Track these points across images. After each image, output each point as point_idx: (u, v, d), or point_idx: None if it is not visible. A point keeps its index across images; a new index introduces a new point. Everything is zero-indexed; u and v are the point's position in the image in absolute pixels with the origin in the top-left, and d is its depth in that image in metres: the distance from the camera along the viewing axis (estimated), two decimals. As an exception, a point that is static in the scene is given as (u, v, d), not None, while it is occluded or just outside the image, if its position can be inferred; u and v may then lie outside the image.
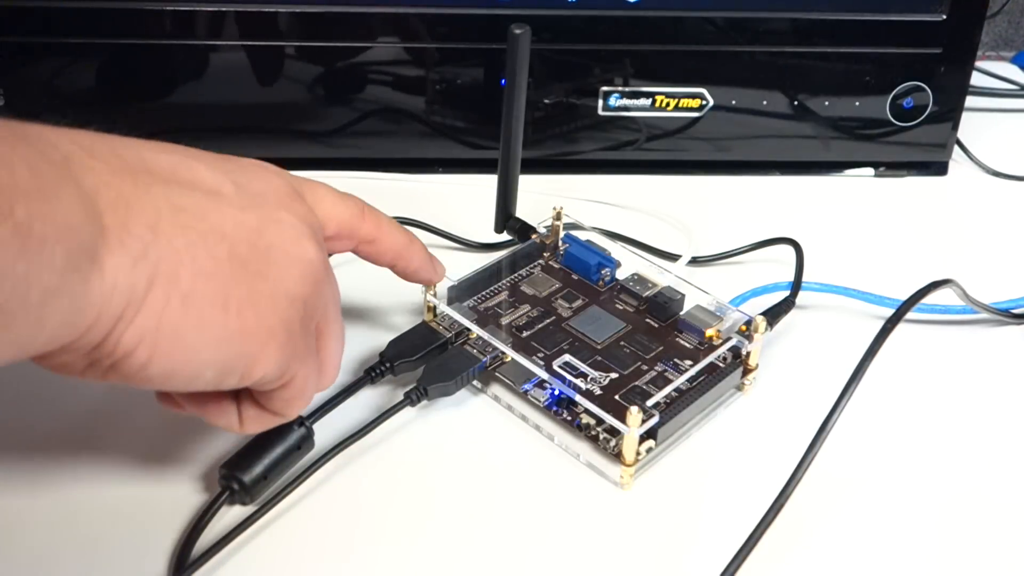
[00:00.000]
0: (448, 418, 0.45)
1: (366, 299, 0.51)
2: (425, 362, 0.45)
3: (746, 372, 0.47)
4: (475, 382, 0.46)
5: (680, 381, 0.44)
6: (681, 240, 0.58)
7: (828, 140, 0.65)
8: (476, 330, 0.46)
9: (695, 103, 0.63)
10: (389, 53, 0.61)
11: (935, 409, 0.48)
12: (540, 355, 0.46)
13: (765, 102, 0.63)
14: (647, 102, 0.62)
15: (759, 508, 0.38)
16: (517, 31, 0.46)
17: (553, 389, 0.44)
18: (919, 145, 0.65)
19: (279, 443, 0.40)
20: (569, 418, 0.44)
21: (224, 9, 0.58)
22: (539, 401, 0.45)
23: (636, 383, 0.45)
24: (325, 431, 0.42)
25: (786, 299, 0.50)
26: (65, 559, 0.38)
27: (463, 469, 0.43)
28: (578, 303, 0.49)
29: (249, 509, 0.40)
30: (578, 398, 0.43)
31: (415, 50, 0.61)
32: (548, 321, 0.48)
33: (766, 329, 0.46)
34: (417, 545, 0.40)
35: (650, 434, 0.42)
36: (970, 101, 0.65)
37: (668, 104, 0.63)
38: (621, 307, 0.49)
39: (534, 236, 0.52)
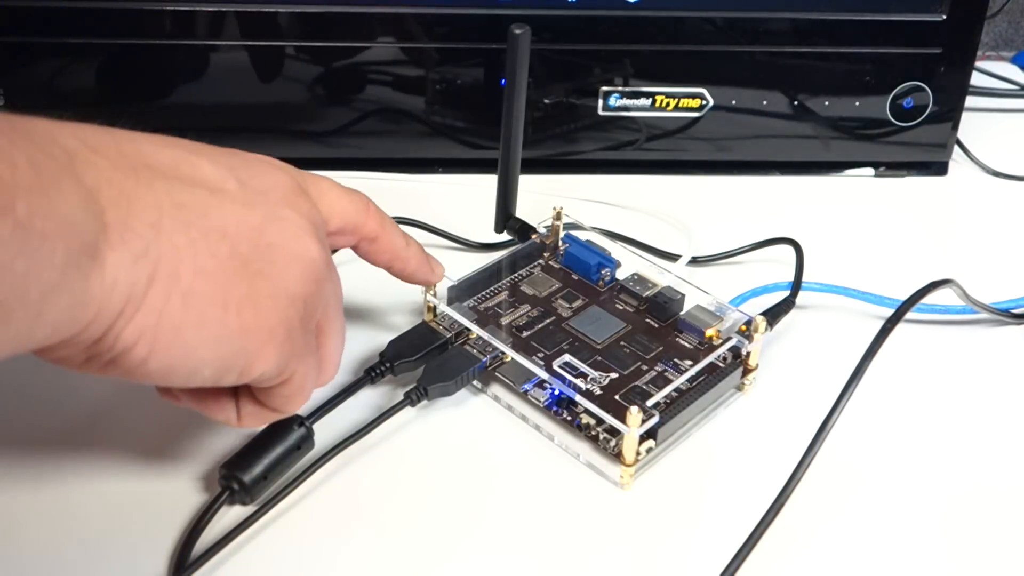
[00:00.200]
0: (448, 418, 0.45)
1: (366, 299, 0.51)
2: (425, 362, 0.45)
3: (746, 372, 0.47)
4: (475, 382, 0.46)
5: (680, 381, 0.44)
6: (681, 240, 0.58)
7: (828, 140, 0.65)
8: (476, 330, 0.46)
9: (695, 103, 0.63)
10: (389, 53, 0.61)
11: (935, 409, 0.48)
12: (540, 355, 0.46)
13: (765, 102, 0.63)
14: (647, 102, 0.62)
15: (759, 508, 0.38)
16: (517, 31, 0.46)
17: (553, 389, 0.44)
18: (919, 145, 0.65)
19: (279, 443, 0.40)
20: (569, 418, 0.44)
21: (224, 9, 0.58)
22: (539, 401, 0.45)
23: (636, 383, 0.45)
24: (325, 431, 0.42)
25: (786, 299, 0.50)
26: (65, 559, 0.38)
27: (463, 469, 0.43)
28: (578, 303, 0.49)
29: (249, 509, 0.40)
30: (578, 398, 0.43)
31: (415, 50, 0.61)
32: (548, 321, 0.48)
33: (766, 329, 0.46)
34: (417, 545, 0.40)
35: (650, 434, 0.42)
36: (970, 101, 0.65)
37: (668, 104, 0.63)
38: (621, 307, 0.49)
39: (534, 236, 0.52)
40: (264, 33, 0.59)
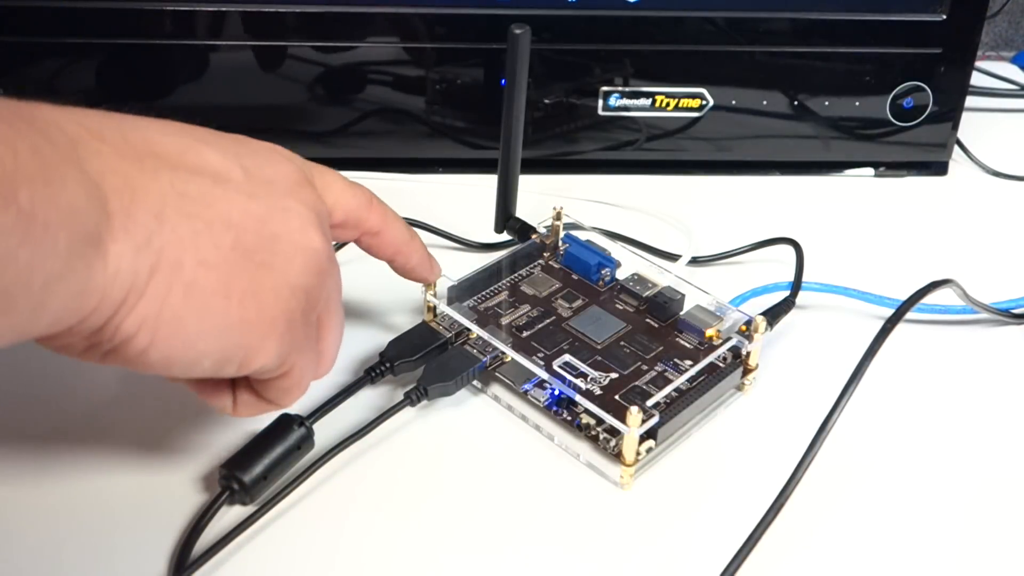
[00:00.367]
0: (448, 418, 0.45)
1: (366, 299, 0.51)
2: (425, 362, 0.45)
3: (746, 372, 0.47)
4: (475, 382, 0.46)
5: (680, 381, 0.44)
6: (681, 240, 0.58)
7: (828, 140, 0.65)
8: (476, 330, 0.46)
9: (695, 103, 0.63)
10: (389, 53, 0.61)
11: (935, 409, 0.48)
12: (540, 355, 0.46)
13: (765, 102, 0.63)
14: (647, 102, 0.62)
15: (759, 508, 0.38)
16: (517, 31, 0.46)
17: (553, 389, 0.44)
18: (919, 145, 0.65)
19: (279, 443, 0.40)
20: (569, 418, 0.44)
21: (224, 9, 0.58)
22: (539, 401, 0.44)
23: (636, 383, 0.45)
24: (325, 431, 0.42)
25: (786, 299, 0.50)
26: (65, 559, 0.38)
27: (463, 469, 0.43)
28: (578, 303, 0.49)
29: (249, 509, 0.40)
30: (578, 398, 0.43)
31: (415, 50, 0.61)
32: (548, 321, 0.48)
33: (766, 329, 0.46)
34: (417, 544, 0.40)
35: (650, 434, 0.42)
36: (970, 101, 0.65)
37: (668, 104, 0.63)
38: (621, 307, 0.49)
39: (534, 236, 0.52)
40: (264, 33, 0.59)
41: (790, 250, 0.53)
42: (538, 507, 0.41)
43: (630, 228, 0.58)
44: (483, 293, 0.49)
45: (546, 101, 0.62)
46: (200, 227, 0.32)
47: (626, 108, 0.62)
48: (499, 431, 0.45)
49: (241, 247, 0.33)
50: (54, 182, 0.27)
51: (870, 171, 0.67)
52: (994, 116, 0.74)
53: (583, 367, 0.45)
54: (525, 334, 0.47)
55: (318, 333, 0.38)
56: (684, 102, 0.63)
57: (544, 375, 0.44)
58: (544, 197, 0.57)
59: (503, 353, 0.45)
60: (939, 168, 0.67)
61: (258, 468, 0.39)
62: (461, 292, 0.48)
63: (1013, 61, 0.81)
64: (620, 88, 0.62)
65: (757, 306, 0.50)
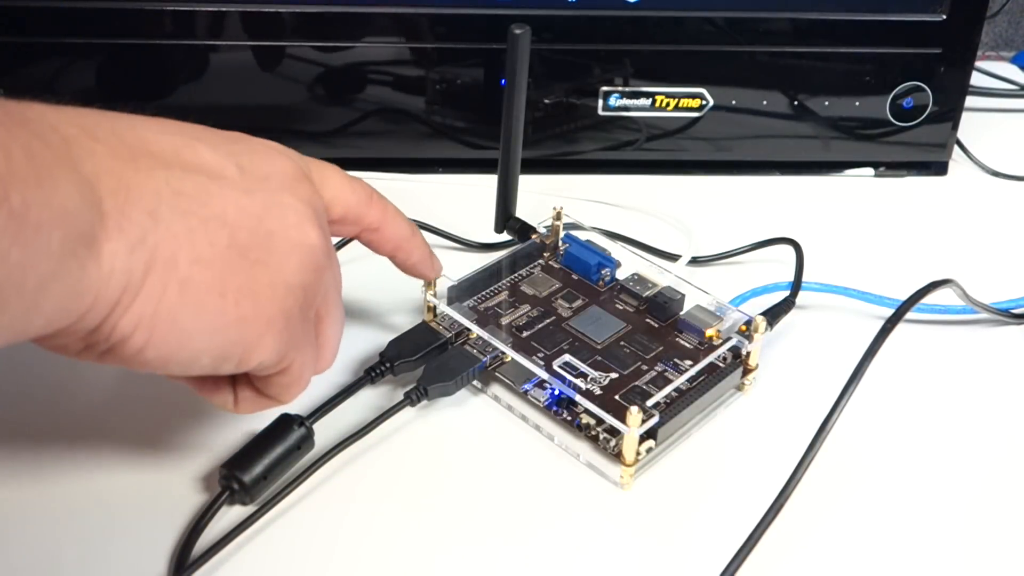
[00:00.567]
0: (448, 418, 0.45)
1: (366, 299, 0.51)
2: (425, 362, 0.45)
3: (746, 372, 0.47)
4: (475, 382, 0.46)
5: (680, 381, 0.44)
6: (681, 240, 0.58)
7: (828, 140, 0.65)
8: (476, 330, 0.46)
9: (695, 103, 0.63)
10: (389, 53, 0.61)
11: (935, 409, 0.48)
12: (540, 355, 0.46)
13: (765, 102, 0.63)
14: (647, 102, 0.62)
15: (759, 508, 0.38)
16: (517, 31, 0.46)
17: (553, 389, 0.44)
18: (919, 145, 0.65)
19: (279, 443, 0.40)
20: (569, 418, 0.44)
21: (224, 9, 0.58)
22: (539, 401, 0.44)
23: (636, 383, 0.45)
24: (325, 431, 0.42)
25: (786, 299, 0.50)
26: (65, 559, 0.38)
27: (463, 469, 0.43)
28: (578, 303, 0.49)
29: (249, 509, 0.40)
30: (578, 398, 0.43)
31: (415, 50, 0.61)
32: (548, 321, 0.48)
33: (766, 329, 0.46)
34: (417, 544, 0.40)
35: (650, 434, 0.42)
36: (970, 101, 0.65)
37: (668, 104, 0.63)
38: (621, 307, 0.49)
39: (534, 236, 0.52)
40: (264, 33, 0.59)
41: (790, 250, 0.53)
42: (538, 507, 0.41)
43: (630, 228, 0.58)
44: (483, 293, 0.49)
45: (546, 101, 0.62)
46: (195, 225, 0.31)
47: (626, 108, 0.62)
48: (499, 431, 0.45)
49: (237, 244, 0.33)
50: (47, 183, 0.27)
51: (870, 171, 0.67)
52: (994, 116, 0.74)
53: (583, 367, 0.45)
54: (525, 334, 0.47)
55: (317, 328, 0.38)
56: (684, 102, 0.63)
57: (544, 375, 0.44)
58: (544, 197, 0.57)
59: (503, 353, 0.45)
60: (939, 168, 0.67)
61: (258, 468, 0.39)
62: (461, 292, 0.48)
63: (1013, 61, 0.81)
64: (620, 88, 0.62)
65: (757, 306, 0.50)
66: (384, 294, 0.51)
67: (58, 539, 0.39)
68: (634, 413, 0.40)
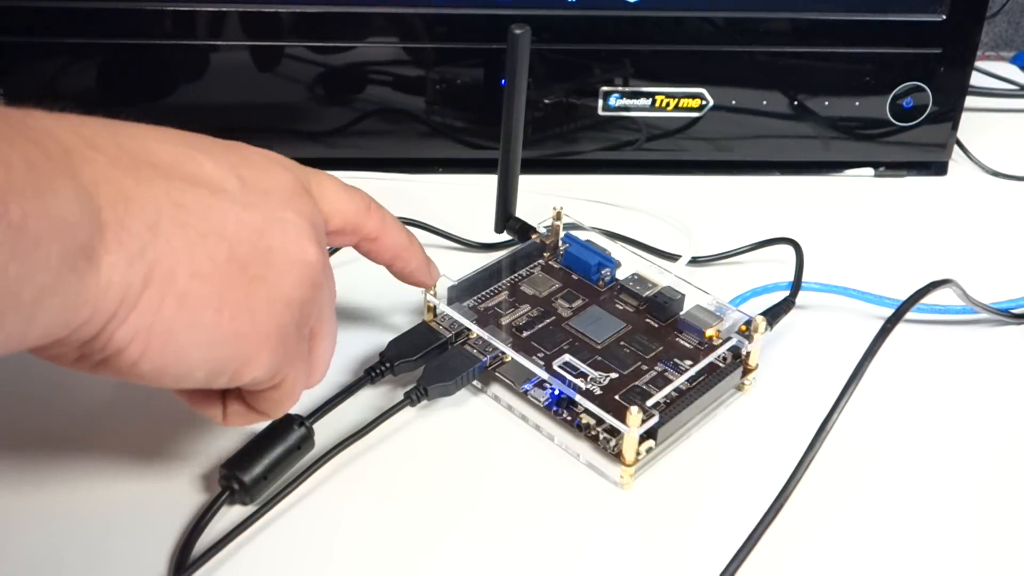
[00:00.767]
0: (448, 418, 0.45)
1: (366, 299, 0.51)
2: (425, 362, 0.45)
3: (746, 372, 0.47)
4: (475, 382, 0.46)
5: (680, 381, 0.44)
6: (681, 240, 0.58)
7: (828, 140, 0.65)
8: (476, 330, 0.46)
9: (695, 103, 0.63)
10: (389, 53, 0.61)
11: (935, 409, 0.48)
12: (540, 355, 0.46)
13: (765, 102, 0.63)
14: (647, 102, 0.62)
15: (759, 508, 0.38)
16: (517, 31, 0.46)
17: (553, 389, 0.44)
18: (919, 145, 0.65)
19: (279, 443, 0.40)
20: (569, 418, 0.44)
21: (224, 9, 0.58)
22: (539, 401, 0.45)
23: (636, 383, 0.45)
24: (325, 431, 0.42)
25: (786, 299, 0.50)
26: (65, 559, 0.38)
27: (463, 469, 0.43)
28: (578, 303, 0.49)
29: (249, 509, 0.40)
30: (578, 398, 0.43)
31: (415, 50, 0.61)
32: (548, 321, 0.48)
33: (766, 329, 0.46)
34: (417, 545, 0.40)
35: (650, 434, 0.42)
36: (970, 101, 0.65)
37: (668, 104, 0.63)
38: (621, 307, 0.49)
39: (534, 236, 0.52)
40: (264, 33, 0.59)
41: (790, 250, 0.53)
42: (538, 507, 0.41)
43: (630, 228, 0.58)
44: (483, 293, 0.49)
45: (546, 101, 0.62)
46: (194, 238, 0.31)
47: (626, 108, 0.62)
48: (499, 431, 0.45)
49: (235, 259, 0.33)
50: (46, 195, 0.27)
51: (870, 171, 0.67)
52: (994, 116, 0.74)
53: (583, 367, 0.45)
54: (525, 334, 0.47)
55: (310, 343, 0.38)
56: (684, 102, 0.63)
57: (544, 375, 0.44)
58: (544, 197, 0.57)
59: (503, 353, 0.45)
60: (939, 168, 0.67)
61: (258, 468, 0.39)
62: (461, 292, 0.48)
63: (1013, 61, 0.81)
64: (620, 88, 0.62)
65: (757, 306, 0.50)
66: (384, 294, 0.51)
67: (59, 539, 0.39)
68: (634, 413, 0.40)
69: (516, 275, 0.51)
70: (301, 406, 0.41)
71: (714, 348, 0.46)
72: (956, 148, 0.67)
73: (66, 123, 0.30)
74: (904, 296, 0.43)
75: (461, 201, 0.60)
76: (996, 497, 0.43)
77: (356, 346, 0.48)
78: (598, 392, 0.44)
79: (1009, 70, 0.79)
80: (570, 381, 0.44)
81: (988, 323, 0.53)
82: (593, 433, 0.43)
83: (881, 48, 0.62)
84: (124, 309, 0.30)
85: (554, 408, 0.44)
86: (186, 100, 0.60)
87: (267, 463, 0.40)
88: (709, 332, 0.47)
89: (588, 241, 0.52)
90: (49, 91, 0.59)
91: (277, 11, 0.58)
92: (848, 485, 0.43)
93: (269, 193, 0.35)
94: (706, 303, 0.48)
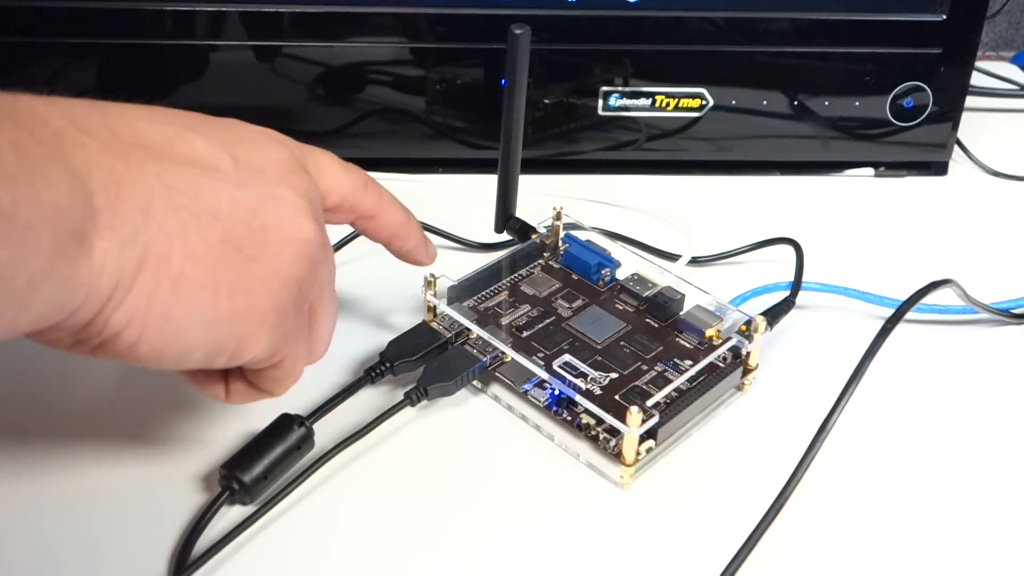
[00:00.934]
0: (448, 418, 0.45)
1: (366, 299, 0.51)
2: (425, 362, 0.45)
3: (746, 372, 0.47)
4: (475, 382, 0.46)
5: (680, 381, 0.44)
6: (681, 240, 0.58)
7: (828, 140, 0.65)
8: (476, 330, 0.46)
9: (695, 103, 0.63)
10: (389, 53, 0.61)
11: (935, 409, 0.48)
12: (540, 355, 0.46)
13: (765, 102, 0.63)
14: (647, 102, 0.62)
15: (759, 508, 0.38)
16: (517, 31, 0.46)
17: (553, 389, 0.44)
18: (919, 145, 0.65)
19: (279, 443, 0.40)
20: (569, 418, 0.44)
21: (224, 9, 0.58)
22: (539, 401, 0.44)
23: (636, 383, 0.45)
24: (325, 431, 0.42)
25: (786, 299, 0.50)
26: (65, 559, 0.38)
27: (463, 469, 0.43)
28: (578, 303, 0.49)
29: (249, 509, 0.40)
30: (578, 398, 0.43)
31: (415, 50, 0.61)
32: (548, 321, 0.48)
33: (766, 329, 0.46)
34: (417, 545, 0.40)
35: (650, 434, 0.42)
36: (970, 101, 0.65)
37: (668, 104, 0.63)
38: (621, 307, 0.49)
39: (534, 236, 0.52)
40: (264, 33, 0.59)
41: (790, 250, 0.53)
42: (538, 507, 0.41)
43: (630, 228, 0.58)
44: (483, 293, 0.49)
45: (546, 101, 0.62)
46: (188, 220, 0.31)
47: (626, 108, 0.62)
48: (499, 431, 0.45)
49: (230, 239, 0.32)
50: (37, 181, 0.27)
51: (870, 171, 0.67)
52: (994, 116, 0.74)
53: (583, 367, 0.45)
54: (525, 334, 0.47)
55: (311, 321, 0.38)
56: (684, 102, 0.63)
57: (544, 375, 0.44)
58: (544, 197, 0.57)
59: (503, 353, 0.45)
60: (939, 168, 0.67)
61: (258, 468, 0.39)
62: (461, 292, 0.48)
63: (1013, 61, 0.81)
64: (620, 88, 0.62)
65: (757, 306, 0.50)
66: (384, 294, 0.51)
67: (58, 539, 0.39)
68: (634, 413, 0.40)
69: (516, 275, 0.51)
70: (301, 406, 0.41)
71: (714, 348, 0.46)
72: (956, 148, 0.67)
73: (56, 107, 0.30)
74: (904, 296, 0.43)
75: (461, 201, 0.60)
76: (996, 497, 0.43)
77: (356, 346, 0.48)
78: (598, 392, 0.44)
79: (1009, 70, 0.79)
80: (570, 381, 0.44)
81: (988, 323, 0.53)
82: (593, 433, 0.43)
83: (881, 48, 0.62)
84: (119, 293, 0.30)
85: (554, 408, 0.44)
86: (186, 100, 0.60)
87: (267, 463, 0.40)
88: (709, 332, 0.47)
89: (588, 241, 0.52)
90: (49, 91, 0.59)
91: (277, 11, 0.58)
92: (848, 485, 0.43)
93: (263, 170, 0.35)
94: (706, 303, 0.48)
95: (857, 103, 0.64)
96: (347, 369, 0.47)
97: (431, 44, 0.60)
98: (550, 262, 0.52)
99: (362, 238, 0.44)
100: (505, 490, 0.42)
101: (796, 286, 0.51)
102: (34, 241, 0.26)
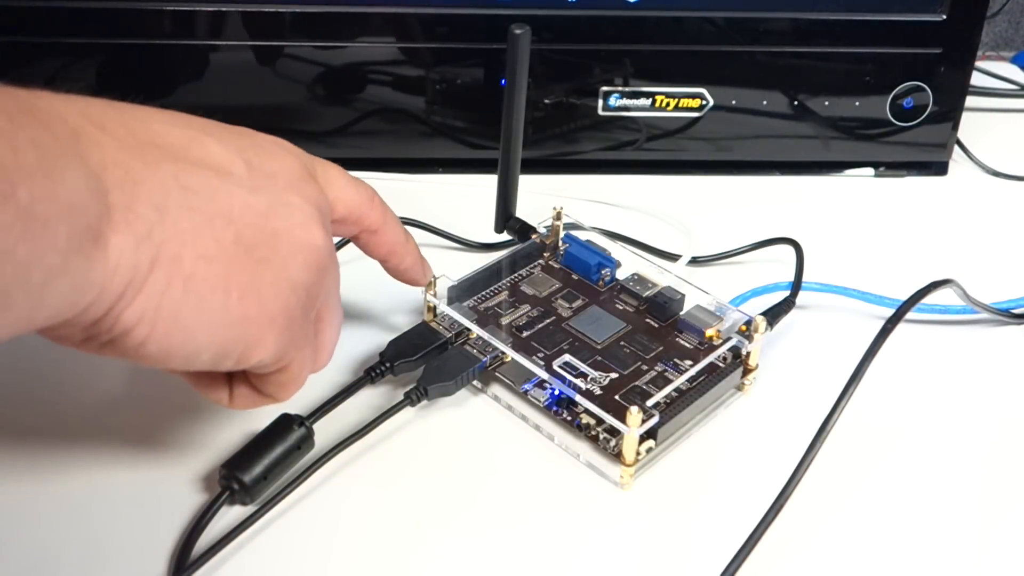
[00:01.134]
0: (448, 418, 0.45)
1: (366, 299, 0.51)
2: (425, 362, 0.45)
3: (746, 372, 0.47)
4: (475, 382, 0.46)
5: (680, 381, 0.44)
6: (681, 240, 0.58)
7: (828, 140, 0.65)
8: (476, 330, 0.46)
9: (695, 103, 0.63)
10: (389, 53, 0.61)
11: (935, 409, 0.48)
12: (540, 355, 0.46)
13: (765, 102, 0.63)
14: (647, 102, 0.62)
15: (759, 508, 0.38)
16: (517, 31, 0.46)
17: (553, 389, 0.44)
18: (919, 145, 0.65)
19: (279, 443, 0.40)
20: (569, 418, 0.44)
21: (224, 9, 0.58)
22: (539, 401, 0.44)
23: (636, 383, 0.45)
24: (325, 431, 0.42)
25: (786, 299, 0.50)
26: (65, 559, 0.38)
27: (463, 469, 0.43)
28: (578, 303, 0.49)
29: (249, 509, 0.40)
30: (578, 398, 0.43)
31: (415, 50, 0.61)
32: (548, 321, 0.48)
33: (766, 329, 0.46)
34: (417, 545, 0.40)
35: (650, 434, 0.42)
36: (970, 101, 0.65)
37: (668, 104, 0.63)
38: (621, 307, 0.49)
39: (534, 236, 0.52)
40: (264, 33, 0.59)
41: (790, 250, 0.53)
42: (538, 507, 0.41)
43: (630, 228, 0.58)
44: (483, 293, 0.49)
45: (546, 101, 0.62)
46: (201, 221, 0.31)
47: (626, 108, 0.62)
48: (499, 431, 0.45)
49: (242, 242, 0.33)
50: (54, 177, 0.27)
51: (870, 171, 0.67)
52: (994, 116, 0.74)
53: (583, 367, 0.45)
54: (525, 334, 0.47)
55: (316, 327, 0.38)
56: (684, 102, 0.63)
57: (544, 375, 0.44)
58: (544, 197, 0.57)
59: (503, 353, 0.45)
60: (939, 168, 0.67)
61: (258, 468, 0.39)
62: (461, 292, 0.48)
63: (1013, 61, 0.81)
64: (620, 88, 0.62)
65: (757, 306, 0.50)
66: (384, 294, 0.51)
67: (58, 539, 0.39)
68: (634, 413, 0.40)
69: (516, 275, 0.51)
70: (301, 406, 0.41)
71: (714, 348, 0.46)
72: (956, 148, 0.67)
73: (74, 105, 0.30)
74: (904, 296, 0.43)
75: (461, 201, 0.60)
76: (996, 497, 0.43)
77: (356, 346, 0.48)
78: (598, 392, 0.44)
79: (1009, 70, 0.79)
80: (570, 381, 0.44)
81: (988, 323, 0.53)
82: (593, 433, 0.43)
83: (881, 48, 0.62)
84: (131, 291, 0.30)
85: (554, 408, 0.44)
86: (186, 100, 0.60)
87: (267, 463, 0.40)
88: (709, 332, 0.47)
89: (588, 241, 0.52)
90: (49, 91, 0.59)
91: (277, 11, 0.58)
92: (848, 485, 0.43)
93: (275, 177, 0.35)
94: (706, 303, 0.48)
95: (857, 103, 0.64)
96: (347, 369, 0.47)
97: (431, 44, 0.60)
98: (550, 262, 0.52)
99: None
100: (505, 490, 0.42)
101: (796, 286, 0.51)
102: (51, 237, 0.27)
